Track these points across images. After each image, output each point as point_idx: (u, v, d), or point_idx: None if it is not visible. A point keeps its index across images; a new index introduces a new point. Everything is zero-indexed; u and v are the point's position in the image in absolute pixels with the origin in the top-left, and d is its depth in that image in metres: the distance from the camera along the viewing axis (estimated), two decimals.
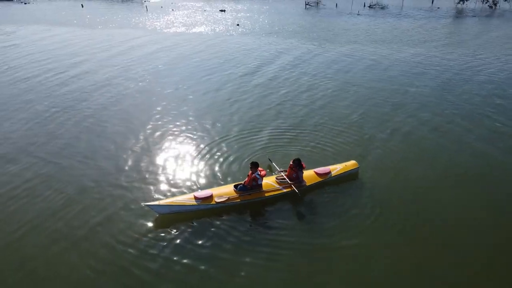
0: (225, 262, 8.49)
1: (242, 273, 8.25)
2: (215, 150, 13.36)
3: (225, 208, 10.22)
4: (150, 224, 9.68)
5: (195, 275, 8.16)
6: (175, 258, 8.59)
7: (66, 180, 11.59)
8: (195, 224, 9.71)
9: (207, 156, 12.98)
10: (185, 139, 14.25)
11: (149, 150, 13.38)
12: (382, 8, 53.00)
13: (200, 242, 9.08)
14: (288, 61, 25.73)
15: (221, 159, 12.77)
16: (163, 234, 9.35)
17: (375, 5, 54.28)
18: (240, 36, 35.25)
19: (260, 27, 40.35)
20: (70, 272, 8.26)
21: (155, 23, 43.38)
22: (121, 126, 15.29)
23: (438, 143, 13.87)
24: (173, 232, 9.45)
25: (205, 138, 14.31)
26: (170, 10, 55.68)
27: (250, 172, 10.62)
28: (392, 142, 13.93)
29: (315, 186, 11.31)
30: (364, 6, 55.40)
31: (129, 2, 69.44)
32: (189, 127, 15.27)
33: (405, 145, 13.72)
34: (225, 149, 13.44)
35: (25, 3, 66.37)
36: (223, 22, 43.71)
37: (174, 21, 44.69)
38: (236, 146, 13.61)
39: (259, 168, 10.81)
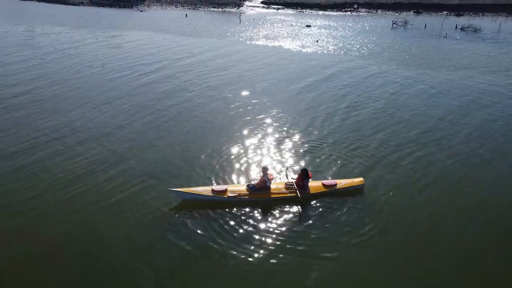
0: (224, 248, 10.82)
1: (237, 260, 10.42)
2: (239, 153, 16.30)
3: (235, 202, 12.66)
4: (173, 205, 12.61)
5: (197, 253, 10.61)
6: (184, 235, 11.37)
7: (116, 161, 15.37)
8: (208, 211, 12.43)
9: (231, 157, 15.89)
10: (214, 142, 17.21)
11: (187, 148, 16.64)
12: (475, 31, 50.32)
13: (208, 227, 11.71)
14: (344, 78, 27.73)
15: (244, 162, 15.62)
16: (181, 215, 12.37)
17: (467, 27, 51.67)
18: (314, 52, 37.43)
19: (337, 44, 41.93)
20: (97, 227, 11.58)
21: (243, 34, 47.57)
22: (176, 125, 19.12)
23: (454, 175, 14.69)
24: (189, 214, 12.37)
25: (233, 141, 17.24)
26: (260, 22, 59.49)
27: (263, 174, 12.94)
28: (407, 166, 15.17)
29: (319, 195, 13.17)
30: (456, 28, 53.11)
31: (227, 14, 75.17)
32: (221, 131, 18.37)
33: (419, 171, 14.95)
34: (249, 153, 16.29)
35: (141, 11, 75.83)
36: (304, 37, 46.05)
37: (260, 34, 48.37)
38: (260, 151, 16.44)
39: (269, 173, 13.07)
